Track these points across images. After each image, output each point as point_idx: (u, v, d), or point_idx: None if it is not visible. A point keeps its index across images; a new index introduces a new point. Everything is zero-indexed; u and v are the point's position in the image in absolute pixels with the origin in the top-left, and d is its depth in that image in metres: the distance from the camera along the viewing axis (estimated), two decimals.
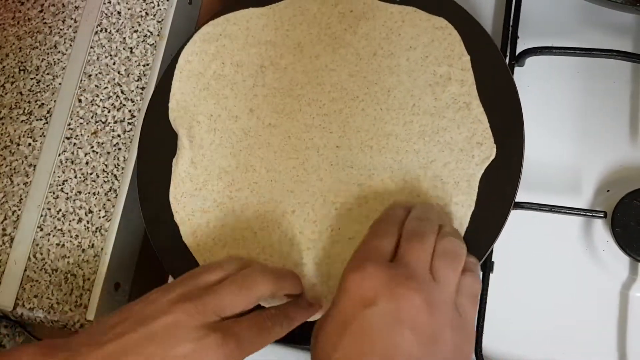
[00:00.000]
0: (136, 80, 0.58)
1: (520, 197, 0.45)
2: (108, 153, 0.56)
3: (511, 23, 0.51)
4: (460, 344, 0.37)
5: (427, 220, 0.42)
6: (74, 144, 0.57)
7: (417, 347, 0.35)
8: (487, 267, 0.47)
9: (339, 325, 0.37)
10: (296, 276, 0.45)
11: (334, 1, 0.53)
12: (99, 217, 0.55)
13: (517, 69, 0.50)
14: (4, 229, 0.56)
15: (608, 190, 0.48)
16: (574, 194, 0.48)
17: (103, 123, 0.57)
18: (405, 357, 0.35)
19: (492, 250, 0.47)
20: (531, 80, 0.51)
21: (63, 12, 0.63)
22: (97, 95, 0.58)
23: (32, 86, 0.60)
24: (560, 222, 0.47)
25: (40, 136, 0.58)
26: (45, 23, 0.63)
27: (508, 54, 0.51)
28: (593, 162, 0.49)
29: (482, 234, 0.44)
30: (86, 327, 0.40)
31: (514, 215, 0.45)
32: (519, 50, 0.50)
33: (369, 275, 0.37)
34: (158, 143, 0.54)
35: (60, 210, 0.56)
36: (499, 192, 0.44)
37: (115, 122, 0.57)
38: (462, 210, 0.45)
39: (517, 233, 0.48)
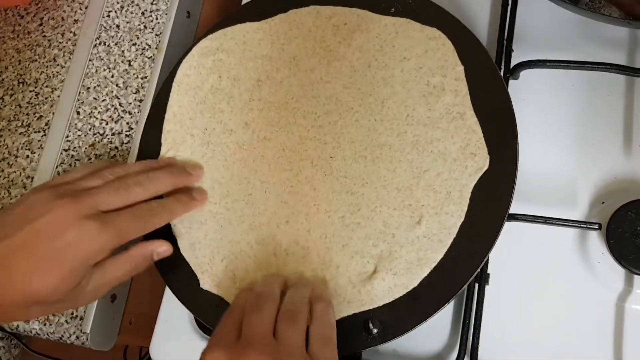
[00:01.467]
0: (134, 93, 0.58)
1: (515, 209, 0.45)
2: None
3: (506, 36, 0.51)
4: None
5: (264, 293, 0.43)
6: (72, 156, 0.57)
7: None
8: (483, 278, 0.47)
9: None
10: (177, 174, 0.49)
11: (329, 14, 0.54)
12: None
13: (512, 82, 0.51)
14: None
15: (603, 202, 0.48)
16: (569, 205, 0.48)
17: (101, 135, 0.57)
18: None
19: (487, 262, 0.47)
20: (526, 93, 0.51)
21: (62, 25, 0.63)
22: (95, 108, 0.59)
23: (30, 98, 0.61)
24: (555, 233, 0.47)
25: (39, 148, 0.58)
26: (44, 36, 0.63)
27: (503, 66, 0.51)
28: (588, 174, 0.49)
29: (476, 245, 0.44)
30: None
31: (509, 226, 0.45)
32: (513, 63, 0.50)
33: (212, 357, 0.38)
34: (155, 155, 0.54)
35: None
36: (493, 203, 0.45)
37: (113, 134, 0.57)
38: (452, 220, 0.45)
39: (512, 244, 0.48)
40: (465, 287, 0.45)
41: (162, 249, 0.47)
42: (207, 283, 0.49)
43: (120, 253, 0.45)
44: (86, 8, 0.63)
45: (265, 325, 0.40)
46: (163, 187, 0.48)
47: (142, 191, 0.46)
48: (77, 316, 0.52)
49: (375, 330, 0.44)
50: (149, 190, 0.46)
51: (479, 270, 0.44)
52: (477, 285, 0.47)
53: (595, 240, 0.47)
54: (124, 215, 0.44)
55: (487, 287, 0.47)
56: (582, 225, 0.45)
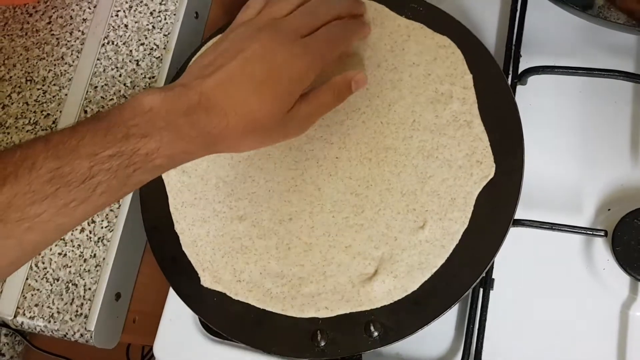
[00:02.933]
0: None
1: (520, 215, 0.45)
2: None
3: (514, 42, 0.51)
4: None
5: None
6: None
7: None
8: (487, 284, 0.47)
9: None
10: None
11: None
12: (102, 227, 0.55)
13: (519, 88, 0.51)
14: None
15: (609, 209, 0.48)
16: (574, 212, 0.48)
17: None
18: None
19: (492, 267, 0.47)
20: (533, 99, 0.51)
21: (71, 24, 0.64)
22: (103, 107, 0.59)
23: (38, 96, 0.61)
24: (560, 240, 0.47)
25: None
26: (52, 34, 0.63)
27: (510, 72, 0.51)
28: (594, 181, 0.49)
29: (481, 251, 0.44)
30: (186, 69, 0.46)
31: (514, 232, 0.45)
32: (521, 68, 0.50)
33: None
34: None
35: None
36: (498, 209, 0.45)
37: None
38: (455, 226, 0.45)
39: (518, 250, 0.48)
40: (470, 291, 0.45)
41: (359, 76, 0.48)
42: (207, 280, 0.49)
43: (322, 84, 0.47)
44: (95, 7, 0.63)
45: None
46: (343, 10, 0.50)
47: (327, 10, 0.48)
48: (81, 314, 0.52)
49: (376, 333, 0.44)
50: (332, 9, 0.48)
51: (483, 275, 0.44)
52: (481, 290, 0.47)
53: (601, 247, 0.47)
54: (321, 37, 0.46)
55: (491, 292, 0.47)
56: (588, 231, 0.45)
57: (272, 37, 0.44)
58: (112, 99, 0.59)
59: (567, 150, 0.50)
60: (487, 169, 0.46)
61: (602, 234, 0.45)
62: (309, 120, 0.47)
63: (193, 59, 0.55)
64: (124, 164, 0.38)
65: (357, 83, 0.48)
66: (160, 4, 0.62)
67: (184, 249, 0.50)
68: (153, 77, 0.59)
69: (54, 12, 0.65)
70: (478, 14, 0.55)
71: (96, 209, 0.39)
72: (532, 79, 0.51)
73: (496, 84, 0.48)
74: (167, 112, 0.40)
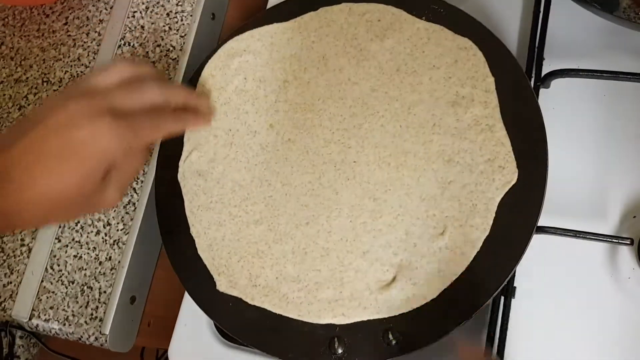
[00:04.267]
0: None
1: (543, 221, 0.44)
2: None
3: (537, 44, 0.50)
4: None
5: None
6: None
7: None
8: (509, 292, 0.46)
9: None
10: (192, 95, 0.50)
11: (362, 11, 0.53)
12: (117, 230, 0.54)
13: (542, 91, 0.50)
14: (22, 240, 0.56)
15: (634, 216, 0.47)
16: (599, 218, 0.47)
17: None
18: None
19: (514, 276, 0.46)
20: (556, 102, 0.50)
21: (87, 25, 0.63)
22: None
23: None
24: (584, 247, 0.46)
25: None
26: (69, 35, 0.63)
27: (533, 75, 0.50)
28: (619, 187, 0.48)
29: (503, 258, 0.43)
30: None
31: (537, 239, 0.44)
32: (544, 71, 0.49)
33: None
34: (176, 156, 0.54)
35: (78, 222, 0.56)
36: (521, 216, 0.44)
37: None
38: (476, 233, 0.44)
39: (540, 258, 0.47)
40: (490, 300, 0.44)
41: (152, 137, 0.47)
42: (223, 284, 0.49)
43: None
44: (111, 8, 0.63)
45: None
46: (177, 96, 0.48)
47: (158, 92, 0.46)
48: (96, 317, 0.52)
49: (394, 342, 0.43)
50: (163, 93, 0.46)
51: (505, 283, 0.43)
52: (502, 298, 0.46)
53: (626, 255, 0.46)
54: (140, 115, 0.44)
55: (513, 301, 0.46)
56: (613, 239, 0.44)
57: (79, 107, 0.41)
58: None
59: (592, 155, 0.49)
60: (509, 175, 0.45)
61: (628, 242, 0.43)
62: (122, 188, 0.45)
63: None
64: None
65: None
66: (177, 4, 0.61)
67: (199, 252, 0.50)
68: (169, 78, 0.58)
69: (70, 13, 0.65)
70: (500, 16, 0.54)
71: None
72: (556, 82, 0.49)
73: (519, 87, 0.47)
74: None
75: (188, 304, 0.52)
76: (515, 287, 0.46)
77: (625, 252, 0.46)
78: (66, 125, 0.40)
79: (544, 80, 0.49)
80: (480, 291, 0.43)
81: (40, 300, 0.54)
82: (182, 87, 0.49)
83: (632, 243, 0.43)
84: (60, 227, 0.56)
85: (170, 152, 0.54)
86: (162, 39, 0.60)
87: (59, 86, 0.61)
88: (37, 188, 0.40)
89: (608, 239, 0.44)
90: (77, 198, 0.41)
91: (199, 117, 0.50)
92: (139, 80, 0.45)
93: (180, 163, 0.53)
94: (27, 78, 0.63)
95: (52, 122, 0.41)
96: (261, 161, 0.51)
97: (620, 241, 0.44)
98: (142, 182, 0.55)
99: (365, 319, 0.45)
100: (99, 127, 0.41)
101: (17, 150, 0.40)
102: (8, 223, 0.41)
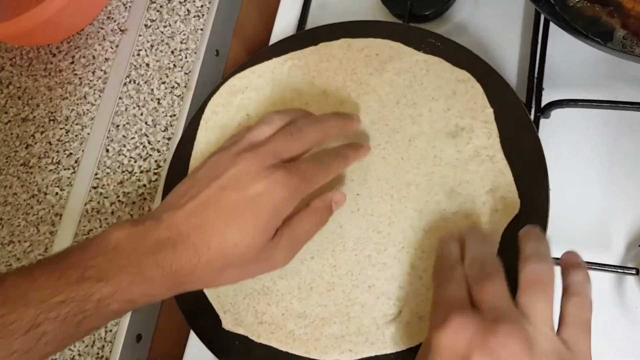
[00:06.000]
0: (163, 131, 0.59)
1: None
2: (133, 203, 0.56)
3: (536, 75, 0.51)
4: None
5: (484, 258, 0.39)
6: (100, 193, 0.58)
7: None
8: None
9: None
10: (341, 117, 0.49)
11: (361, 46, 0.54)
12: None
13: (542, 121, 0.50)
14: None
15: (639, 245, 0.46)
16: (603, 248, 0.47)
17: (129, 173, 0.58)
18: None
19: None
20: (557, 132, 0.50)
21: (93, 63, 0.64)
22: (124, 146, 0.59)
23: (61, 136, 0.62)
24: (590, 277, 0.46)
25: (68, 185, 0.59)
26: (75, 74, 0.64)
27: (533, 106, 0.50)
28: (622, 216, 0.47)
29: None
30: (160, 203, 0.43)
31: None
32: (544, 102, 0.50)
33: (457, 329, 0.34)
34: None
35: None
36: None
37: (142, 172, 0.58)
38: None
39: None
40: None
41: (337, 197, 0.47)
42: (229, 323, 0.49)
43: (304, 208, 0.45)
44: (117, 47, 0.64)
45: (506, 294, 0.36)
46: (332, 128, 0.47)
47: (314, 132, 0.45)
48: (102, 356, 0.52)
49: None
50: (320, 131, 0.46)
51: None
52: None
53: (633, 285, 0.45)
54: (306, 161, 0.44)
55: None
56: (618, 270, 0.44)
57: (250, 162, 0.41)
58: (133, 137, 0.59)
59: (594, 184, 0.49)
60: (511, 205, 0.45)
61: (634, 272, 0.43)
62: (293, 249, 0.44)
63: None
64: (72, 311, 0.36)
65: (337, 204, 0.47)
66: (181, 42, 0.62)
67: (204, 291, 0.50)
68: (174, 115, 0.59)
69: (76, 52, 0.66)
70: (498, 48, 0.54)
71: (40, 359, 0.36)
72: (556, 112, 0.50)
73: (518, 118, 0.47)
74: (132, 249, 0.38)
75: (194, 342, 0.52)
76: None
77: (631, 282, 0.45)
78: (239, 182, 0.41)
79: (544, 111, 0.49)
80: None
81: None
82: (333, 118, 0.48)
83: (637, 273, 0.43)
84: None
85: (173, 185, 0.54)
86: (167, 76, 0.61)
87: (65, 124, 0.62)
88: (211, 249, 0.39)
89: (613, 269, 0.44)
90: (249, 256, 0.41)
91: (358, 148, 0.49)
92: (294, 125, 0.45)
93: None
94: (34, 117, 0.64)
95: (224, 180, 0.41)
96: None
97: (625, 271, 0.44)
98: None
99: (372, 354, 0.45)
100: (273, 180, 0.41)
101: (189, 212, 0.40)
102: (183, 285, 0.41)
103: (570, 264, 0.39)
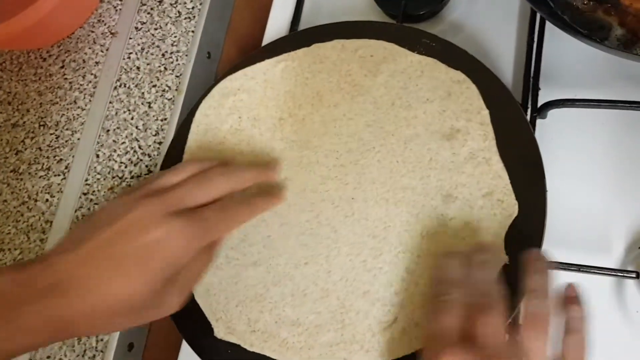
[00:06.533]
0: (153, 135, 0.58)
1: None
2: None
3: (532, 75, 0.50)
4: None
5: (483, 285, 0.38)
6: (91, 199, 0.57)
7: None
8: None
9: None
10: (258, 169, 0.48)
11: (354, 47, 0.53)
12: None
13: (539, 121, 0.49)
14: None
15: (639, 247, 0.45)
16: (603, 250, 0.46)
17: (120, 178, 0.57)
18: None
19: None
20: (554, 133, 0.49)
21: (84, 67, 0.64)
22: (115, 151, 0.58)
23: (51, 141, 0.61)
24: (589, 281, 0.45)
25: (58, 192, 0.58)
26: (65, 79, 0.63)
27: (529, 106, 0.49)
28: (622, 217, 0.47)
29: (507, 295, 0.42)
30: (58, 240, 0.41)
31: None
32: (540, 102, 0.49)
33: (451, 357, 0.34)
34: None
35: None
36: (521, 251, 0.43)
37: (132, 177, 0.57)
38: None
39: None
40: None
41: (222, 236, 0.47)
42: (221, 331, 0.48)
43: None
44: (107, 50, 0.63)
45: (501, 330, 0.35)
46: (245, 180, 0.47)
47: (225, 182, 0.44)
48: None
49: None
50: (231, 182, 0.45)
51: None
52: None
53: (633, 289, 0.44)
54: (209, 210, 0.42)
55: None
56: (618, 273, 0.43)
57: (150, 208, 0.40)
58: (124, 142, 0.58)
59: (592, 185, 0.48)
60: (509, 208, 0.44)
61: (634, 275, 0.42)
62: (184, 292, 0.43)
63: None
64: None
65: (220, 244, 0.47)
66: (172, 45, 0.61)
67: (196, 298, 0.49)
68: (165, 119, 0.58)
69: (67, 56, 0.65)
70: (493, 47, 0.53)
71: None
72: (553, 113, 0.49)
73: (514, 119, 0.46)
74: (13, 298, 0.37)
75: (186, 351, 0.51)
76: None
77: (631, 286, 0.44)
78: (135, 227, 0.39)
79: (540, 111, 0.48)
80: None
81: (37, 349, 0.53)
82: (247, 169, 0.48)
83: (637, 276, 0.42)
84: None
85: None
86: (158, 79, 0.60)
87: (56, 130, 0.61)
88: (98, 296, 0.38)
89: (612, 273, 0.43)
90: (137, 305, 0.39)
91: (268, 198, 0.48)
92: (204, 174, 0.44)
93: None
94: (24, 122, 0.63)
95: (120, 224, 0.39)
96: None
97: (625, 275, 0.43)
98: None
99: None
100: (170, 230, 0.39)
101: (81, 256, 0.38)
102: (66, 332, 0.39)
103: (570, 299, 0.40)
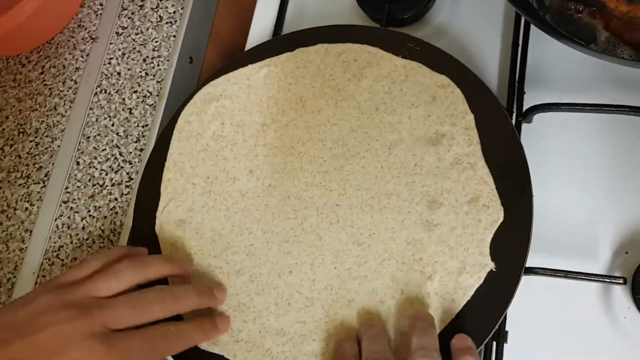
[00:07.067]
0: (134, 142, 0.57)
1: (533, 261, 0.43)
2: (105, 217, 0.54)
3: (517, 79, 0.49)
4: None
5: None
6: (71, 208, 0.56)
7: None
8: (501, 336, 0.44)
9: None
10: (195, 294, 0.45)
11: (338, 51, 0.52)
12: None
13: (524, 126, 0.48)
14: None
15: (626, 252, 0.45)
16: (590, 256, 0.46)
17: (100, 186, 0.56)
18: None
19: (505, 319, 0.44)
20: (540, 137, 0.49)
21: (64, 73, 0.62)
22: (95, 158, 0.57)
23: (30, 149, 0.60)
24: (576, 287, 0.44)
25: (38, 200, 0.57)
26: (45, 85, 0.62)
27: (515, 110, 0.49)
28: (608, 222, 0.46)
29: (492, 303, 0.41)
30: None
31: (527, 280, 0.43)
32: (526, 106, 0.48)
33: None
34: (153, 207, 0.52)
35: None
36: (508, 257, 0.42)
37: (113, 185, 0.56)
38: (470, 280, 0.42)
39: (531, 299, 0.45)
40: (483, 346, 0.42)
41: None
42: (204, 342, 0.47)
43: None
44: (87, 56, 0.62)
45: None
46: (185, 308, 0.44)
47: (162, 310, 0.41)
48: None
49: None
50: (168, 310, 0.42)
51: (496, 328, 0.41)
52: (494, 344, 0.44)
53: (620, 294, 0.44)
54: (135, 339, 0.40)
55: (505, 346, 0.44)
56: (606, 279, 0.43)
57: (74, 324, 0.38)
58: (104, 149, 0.57)
59: (579, 190, 0.48)
60: (495, 213, 0.44)
61: (621, 281, 0.42)
62: None
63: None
64: None
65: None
66: (154, 50, 0.60)
67: None
68: (146, 125, 0.57)
69: (46, 62, 0.64)
70: (478, 51, 0.53)
71: None
72: (538, 117, 0.48)
73: (500, 123, 0.46)
74: None
75: None
76: (507, 332, 0.44)
77: (619, 291, 0.44)
78: (54, 344, 0.37)
79: (526, 115, 0.48)
80: (472, 337, 0.41)
81: None
82: (195, 291, 0.45)
83: (625, 282, 0.42)
84: (36, 283, 0.54)
85: (147, 203, 0.52)
86: (139, 85, 0.59)
87: (35, 137, 0.60)
88: None
89: (600, 279, 0.43)
90: None
91: (207, 329, 0.45)
92: (144, 293, 0.42)
93: (158, 214, 0.51)
94: (3, 130, 0.62)
95: (40, 337, 0.37)
96: (241, 208, 0.50)
97: (613, 281, 0.42)
98: (119, 234, 0.53)
99: None
100: (89, 354, 0.37)
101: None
102: None
103: (461, 349, 0.40)
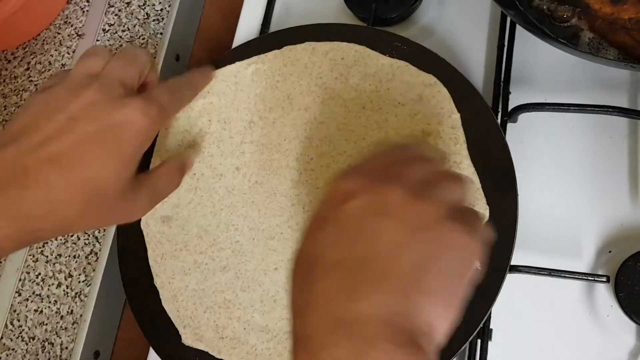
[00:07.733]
0: None
1: (517, 260, 0.43)
2: None
3: (502, 79, 0.50)
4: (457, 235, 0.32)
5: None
6: None
7: (401, 233, 0.31)
8: (485, 334, 0.44)
9: (318, 222, 0.34)
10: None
11: (325, 50, 0.52)
12: (79, 282, 0.52)
13: (509, 125, 0.49)
14: None
15: (610, 251, 0.45)
16: (574, 254, 0.46)
17: None
18: (387, 244, 0.31)
19: (489, 317, 0.44)
20: (525, 136, 0.49)
21: (49, 69, 0.62)
22: None
23: None
24: (560, 285, 0.45)
25: None
26: (31, 81, 0.62)
27: (500, 110, 0.49)
28: (592, 221, 0.47)
29: (477, 301, 0.41)
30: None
31: (512, 279, 0.43)
32: (511, 106, 0.49)
33: (350, 179, 0.33)
34: None
35: (39, 274, 0.53)
36: (493, 255, 0.42)
37: None
38: None
39: (516, 297, 0.45)
40: (467, 344, 0.42)
41: (190, 160, 0.49)
42: (189, 338, 0.47)
43: (161, 165, 0.46)
44: (74, 52, 0.62)
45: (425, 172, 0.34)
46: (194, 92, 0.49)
47: (146, 54, 0.44)
48: None
49: None
50: (150, 53, 0.45)
51: (480, 326, 0.42)
52: (479, 342, 0.44)
53: (604, 293, 0.44)
54: (161, 90, 0.42)
55: (490, 344, 0.44)
56: (589, 277, 0.43)
57: (97, 91, 0.38)
58: None
59: (563, 189, 0.48)
60: (480, 212, 0.44)
61: (604, 279, 0.42)
62: (153, 201, 0.44)
63: None
64: None
65: (189, 166, 0.49)
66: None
67: (163, 304, 0.48)
68: None
69: (32, 58, 0.63)
70: (464, 51, 0.53)
71: None
72: (524, 117, 0.49)
73: (485, 123, 0.46)
74: None
75: (154, 359, 0.49)
76: (491, 330, 0.44)
77: (602, 290, 0.44)
78: (92, 112, 0.37)
79: (511, 115, 0.48)
80: (456, 336, 0.41)
81: (0, 358, 0.52)
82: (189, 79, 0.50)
83: (608, 280, 0.42)
84: (20, 280, 0.54)
85: None
86: None
87: None
88: (70, 185, 0.35)
89: (583, 277, 0.43)
90: (114, 192, 0.37)
91: (205, 75, 0.50)
92: (123, 51, 0.43)
93: None
94: None
95: (71, 111, 0.36)
96: (227, 205, 0.50)
97: (596, 279, 0.43)
98: (104, 230, 0.53)
99: None
100: (133, 109, 0.38)
101: (35, 146, 0.35)
102: (31, 234, 0.36)
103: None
